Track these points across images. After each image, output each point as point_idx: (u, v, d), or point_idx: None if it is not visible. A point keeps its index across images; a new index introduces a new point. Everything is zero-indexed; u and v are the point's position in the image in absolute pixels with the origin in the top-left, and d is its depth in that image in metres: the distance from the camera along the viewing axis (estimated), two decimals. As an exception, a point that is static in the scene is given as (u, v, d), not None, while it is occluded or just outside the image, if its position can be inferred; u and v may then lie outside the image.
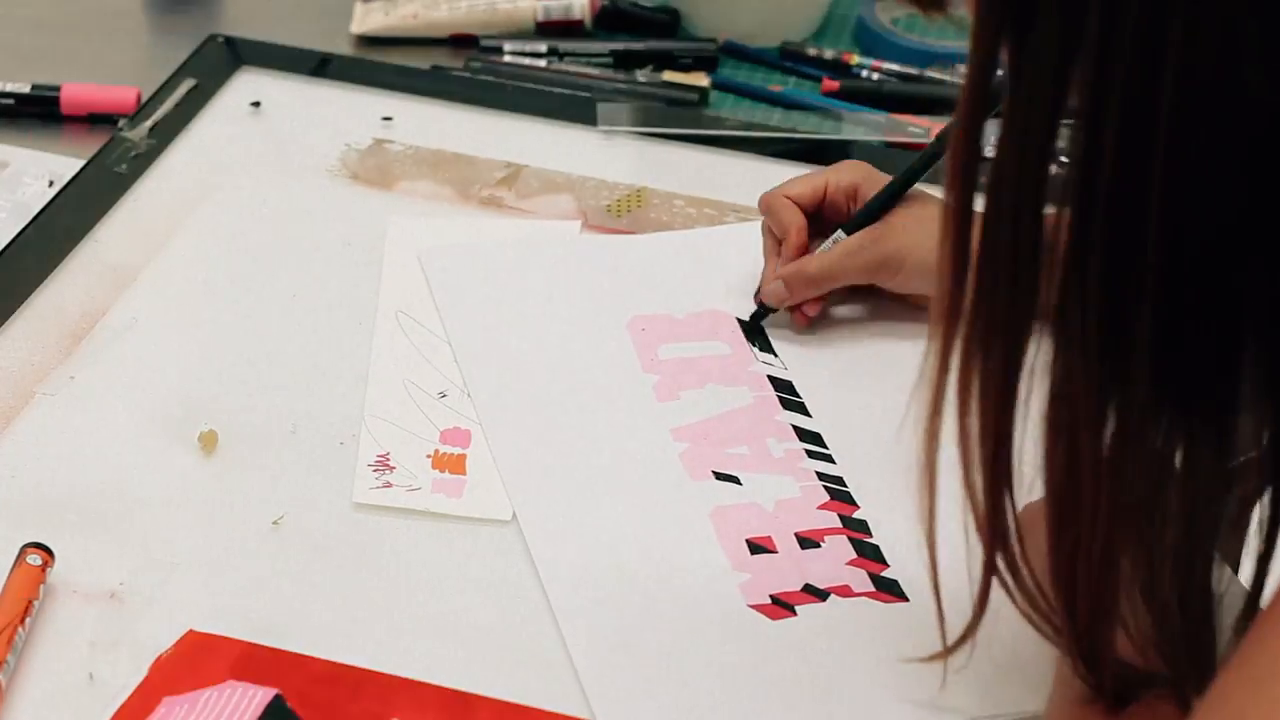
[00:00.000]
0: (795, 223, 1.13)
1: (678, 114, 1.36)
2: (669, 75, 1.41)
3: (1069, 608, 0.75)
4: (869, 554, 0.99)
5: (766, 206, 1.14)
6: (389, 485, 1.02)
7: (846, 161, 1.17)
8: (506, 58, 1.43)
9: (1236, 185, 0.65)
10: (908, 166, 1.12)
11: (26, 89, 1.34)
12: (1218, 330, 0.68)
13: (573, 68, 1.42)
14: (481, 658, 0.93)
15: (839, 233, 1.12)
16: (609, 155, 1.31)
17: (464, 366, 1.11)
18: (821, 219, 1.14)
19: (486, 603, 0.96)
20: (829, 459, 1.05)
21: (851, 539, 1.00)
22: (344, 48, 1.43)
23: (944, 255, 0.72)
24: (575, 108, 1.35)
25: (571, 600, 0.96)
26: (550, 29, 1.46)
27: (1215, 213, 0.66)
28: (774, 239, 1.14)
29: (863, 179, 1.14)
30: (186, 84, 1.35)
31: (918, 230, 1.11)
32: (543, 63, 1.42)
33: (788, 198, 1.13)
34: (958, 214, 0.71)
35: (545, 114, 1.35)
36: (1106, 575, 0.73)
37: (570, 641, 0.93)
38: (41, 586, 0.94)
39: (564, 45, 1.44)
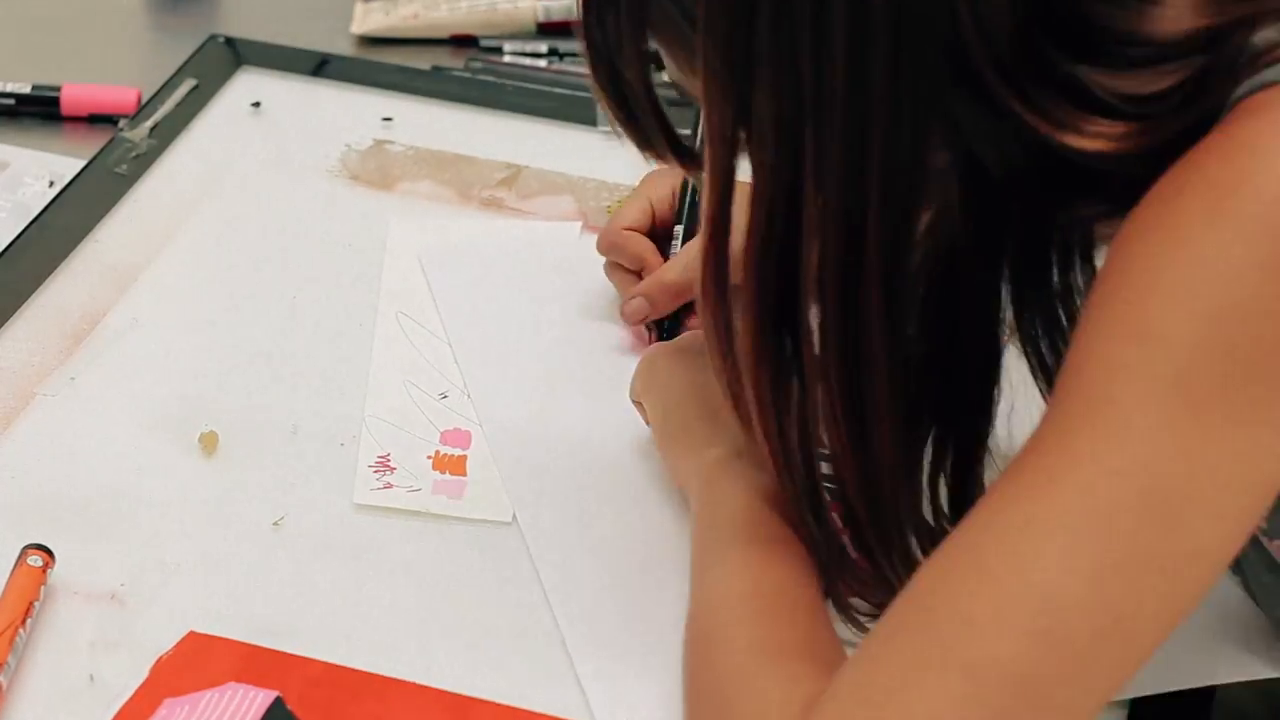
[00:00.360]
0: (647, 247, 1.13)
1: (679, 114, 1.35)
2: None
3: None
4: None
5: (611, 246, 1.13)
6: (390, 486, 1.02)
7: (651, 173, 1.15)
8: (507, 58, 1.43)
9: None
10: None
11: (27, 89, 1.34)
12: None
13: (573, 68, 1.42)
14: (482, 660, 0.93)
15: (676, 231, 1.12)
16: (609, 155, 1.30)
17: (464, 367, 1.11)
18: (656, 235, 1.14)
19: (487, 604, 0.96)
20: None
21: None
22: (344, 48, 1.43)
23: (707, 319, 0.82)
24: (575, 108, 1.35)
25: (571, 601, 0.96)
26: (551, 29, 1.46)
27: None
28: (627, 273, 1.13)
29: (676, 180, 1.14)
30: (187, 84, 1.35)
31: None
32: (543, 63, 1.42)
33: (627, 229, 1.13)
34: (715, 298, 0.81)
35: (545, 114, 1.35)
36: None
37: (570, 643, 0.93)
38: (42, 588, 0.94)
39: (564, 45, 1.43)
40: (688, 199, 1.13)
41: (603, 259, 1.17)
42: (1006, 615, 0.71)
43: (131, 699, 0.90)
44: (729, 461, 0.91)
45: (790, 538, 0.87)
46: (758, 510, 0.88)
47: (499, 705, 0.90)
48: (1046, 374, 0.88)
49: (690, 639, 0.86)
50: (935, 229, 0.79)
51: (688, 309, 1.11)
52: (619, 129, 0.85)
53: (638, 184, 1.16)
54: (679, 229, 1.13)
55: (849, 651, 0.79)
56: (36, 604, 0.93)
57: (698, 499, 0.93)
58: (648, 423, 1.02)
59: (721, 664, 0.82)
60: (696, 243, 1.09)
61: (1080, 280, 0.85)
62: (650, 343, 1.11)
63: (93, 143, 1.30)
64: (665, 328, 1.12)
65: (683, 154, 0.85)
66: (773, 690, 0.79)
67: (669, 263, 1.12)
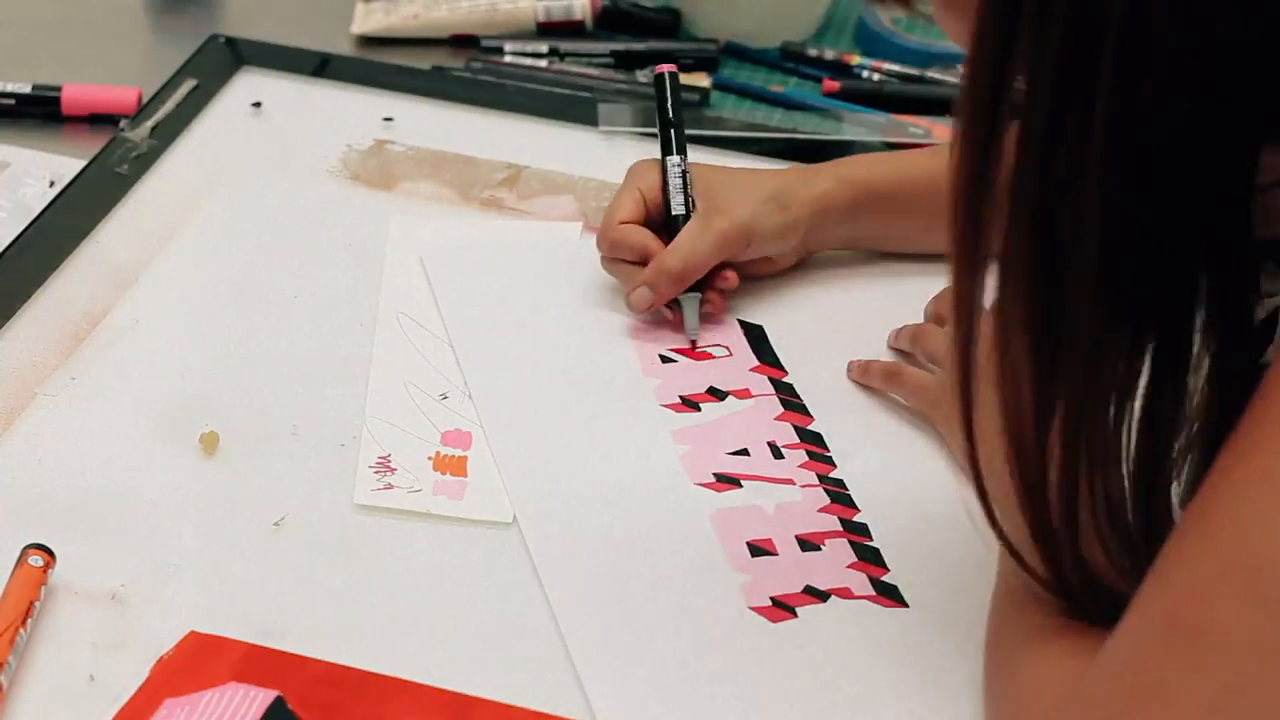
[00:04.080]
0: (648, 236, 1.14)
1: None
2: (670, 76, 1.41)
3: (1037, 530, 0.78)
4: (869, 557, 0.99)
5: (612, 244, 1.14)
6: (390, 487, 1.02)
7: (636, 164, 1.17)
8: (507, 58, 1.43)
9: (1183, 105, 0.69)
10: (662, 119, 1.18)
11: (27, 89, 1.34)
12: (1166, 254, 0.72)
13: (573, 68, 1.42)
14: (482, 660, 0.93)
15: (675, 217, 1.14)
16: (609, 155, 1.31)
17: (466, 368, 1.11)
18: (652, 224, 1.15)
19: (487, 605, 0.96)
20: (830, 461, 1.05)
21: (852, 542, 1.00)
22: (345, 48, 1.43)
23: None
24: (576, 108, 1.35)
25: (572, 602, 0.96)
26: (551, 29, 1.46)
27: (1158, 133, 0.69)
28: (628, 265, 1.14)
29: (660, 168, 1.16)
30: (188, 84, 1.35)
31: (749, 199, 1.14)
32: (543, 63, 1.42)
33: (624, 223, 1.14)
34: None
35: (546, 114, 1.35)
36: (1066, 502, 0.76)
37: (571, 644, 0.93)
38: (43, 588, 0.94)
39: (565, 46, 1.44)
40: (686, 183, 1.14)
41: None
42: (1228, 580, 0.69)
43: (132, 699, 0.90)
44: None
45: None
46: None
47: (500, 704, 0.90)
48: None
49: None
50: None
51: (700, 288, 1.13)
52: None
53: (627, 176, 1.17)
54: (678, 204, 1.14)
55: None
56: (37, 604, 0.93)
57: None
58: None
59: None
60: (693, 227, 1.12)
61: None
62: (674, 319, 1.14)
63: (93, 143, 1.30)
64: (685, 309, 1.14)
65: None
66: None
67: (669, 249, 1.13)
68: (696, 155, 1.30)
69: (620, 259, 1.15)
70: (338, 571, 0.98)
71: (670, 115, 1.18)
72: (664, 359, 1.12)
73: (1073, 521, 0.77)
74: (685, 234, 1.13)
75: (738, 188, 1.15)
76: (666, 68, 1.21)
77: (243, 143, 1.31)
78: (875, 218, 1.16)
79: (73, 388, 1.09)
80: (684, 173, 1.15)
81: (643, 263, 1.14)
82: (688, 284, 1.13)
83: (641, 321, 1.14)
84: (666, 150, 1.16)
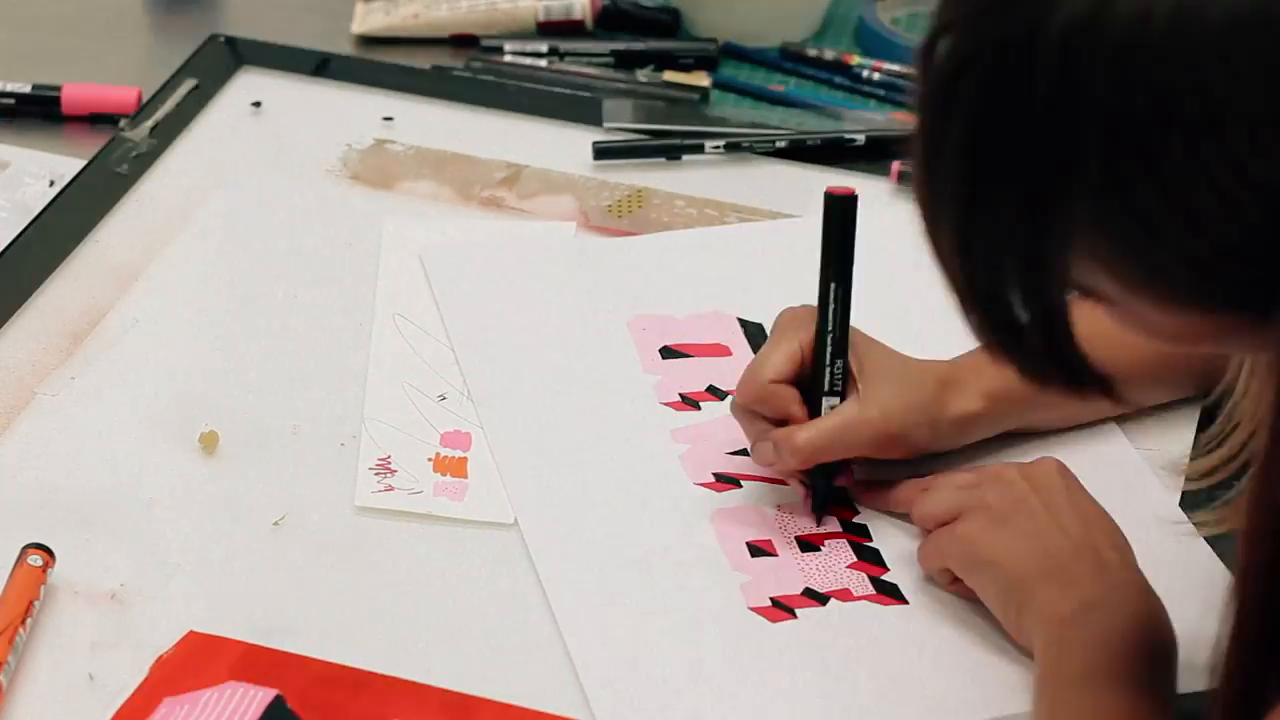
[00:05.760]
0: (793, 399, 1.00)
1: (681, 112, 1.36)
2: (670, 75, 1.41)
3: None
4: (869, 558, 0.99)
5: (757, 399, 1.00)
6: (391, 489, 1.02)
7: (792, 313, 1.03)
8: (507, 57, 1.43)
9: None
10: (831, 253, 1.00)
11: (27, 89, 1.34)
12: None
13: (573, 68, 1.42)
14: (482, 660, 0.93)
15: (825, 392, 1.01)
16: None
17: (466, 368, 1.11)
18: (801, 382, 1.00)
19: (488, 605, 0.96)
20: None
21: (852, 543, 1.00)
22: (345, 48, 1.43)
23: None
24: (576, 108, 1.35)
25: (572, 602, 0.96)
26: (551, 29, 1.46)
27: None
28: (760, 419, 1.01)
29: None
30: (187, 84, 1.34)
31: (908, 408, 1.01)
32: (543, 63, 1.42)
33: (774, 382, 1.00)
34: None
35: (546, 114, 1.35)
36: None
37: (571, 644, 0.93)
38: (42, 587, 0.94)
39: (565, 45, 1.43)
40: (827, 352, 0.99)
41: (603, 258, 1.16)
42: None
43: (131, 698, 0.90)
44: (1080, 616, 0.89)
45: (1145, 683, 0.86)
46: (1114, 657, 0.86)
47: (499, 704, 0.90)
48: None
49: None
50: None
51: (833, 470, 1.01)
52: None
53: (780, 324, 1.02)
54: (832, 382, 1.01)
55: None
56: (36, 603, 0.94)
57: (1045, 653, 0.89)
58: (949, 589, 0.96)
59: None
60: (848, 414, 0.99)
61: None
62: (805, 499, 1.02)
63: (93, 142, 1.30)
64: (817, 489, 1.02)
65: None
66: None
67: (805, 426, 0.99)
68: (695, 155, 1.30)
69: (756, 413, 1.01)
70: (338, 571, 0.98)
71: (840, 257, 1.00)
72: (663, 357, 1.12)
73: None
74: (837, 419, 0.99)
75: (898, 383, 1.01)
76: (843, 190, 0.99)
77: (243, 142, 1.31)
78: (1018, 419, 1.05)
79: (73, 387, 1.09)
80: (842, 340, 1.00)
81: (779, 422, 1.00)
82: (813, 464, 1.00)
83: (641, 318, 1.14)
84: (824, 303, 0.99)
